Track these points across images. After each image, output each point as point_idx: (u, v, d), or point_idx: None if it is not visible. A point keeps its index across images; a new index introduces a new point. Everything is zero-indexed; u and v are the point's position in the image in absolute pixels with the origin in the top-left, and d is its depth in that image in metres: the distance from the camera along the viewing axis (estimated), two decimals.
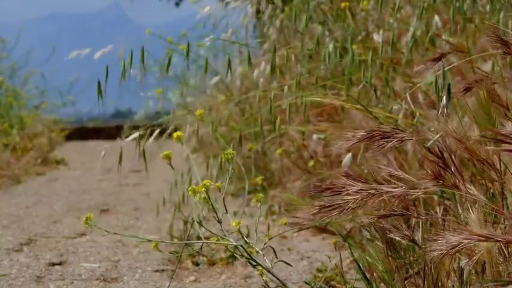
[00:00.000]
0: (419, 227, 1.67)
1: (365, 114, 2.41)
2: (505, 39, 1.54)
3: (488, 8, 2.61)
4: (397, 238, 1.64)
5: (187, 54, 2.15)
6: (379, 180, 1.49)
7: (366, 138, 1.54)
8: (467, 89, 1.66)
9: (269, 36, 3.96)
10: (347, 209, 1.48)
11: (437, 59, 2.00)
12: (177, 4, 14.42)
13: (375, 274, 1.74)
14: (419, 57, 2.69)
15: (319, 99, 2.56)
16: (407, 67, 2.68)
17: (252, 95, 3.12)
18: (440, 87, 1.79)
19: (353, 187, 1.48)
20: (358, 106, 2.33)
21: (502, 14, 2.28)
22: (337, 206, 1.48)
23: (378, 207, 1.54)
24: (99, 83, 2.05)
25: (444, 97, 1.72)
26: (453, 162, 1.46)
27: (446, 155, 1.46)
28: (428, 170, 1.45)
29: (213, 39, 3.73)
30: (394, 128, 1.55)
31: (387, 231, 1.63)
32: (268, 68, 3.14)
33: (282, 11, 3.83)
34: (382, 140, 1.53)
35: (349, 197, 1.47)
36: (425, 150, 1.52)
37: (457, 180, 1.45)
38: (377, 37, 2.79)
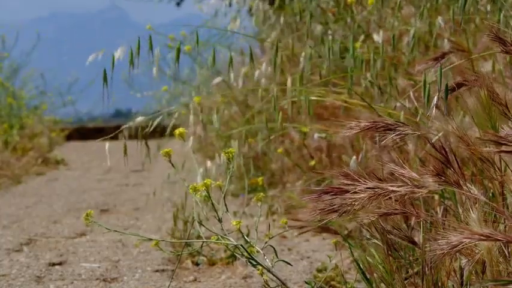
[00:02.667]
0: (419, 227, 1.67)
1: (366, 113, 2.40)
2: (503, 38, 1.54)
3: (489, 7, 2.61)
4: (396, 239, 1.64)
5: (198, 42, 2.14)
6: (383, 178, 1.48)
7: (369, 128, 1.54)
8: (460, 85, 1.66)
9: (269, 35, 3.95)
10: (351, 210, 1.47)
11: (438, 58, 2.00)
12: (178, 4, 14.40)
13: (375, 274, 1.74)
14: (420, 56, 2.69)
15: (320, 97, 2.56)
16: (408, 66, 2.68)
17: (253, 95, 3.12)
18: (429, 87, 1.79)
19: (358, 186, 1.47)
20: (361, 104, 2.33)
21: (502, 14, 2.27)
22: (341, 206, 1.47)
23: (379, 206, 1.54)
24: (105, 73, 2.04)
25: (437, 96, 1.72)
26: (455, 159, 1.45)
27: (448, 151, 1.46)
28: (431, 167, 1.44)
29: (217, 29, 3.73)
30: (397, 121, 1.55)
31: (387, 232, 1.63)
32: (270, 68, 3.14)
33: (283, 9, 3.83)
34: (385, 132, 1.53)
35: (355, 196, 1.46)
36: (427, 147, 1.51)
37: (459, 178, 1.45)
38: (377, 37, 2.79)
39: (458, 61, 2.10)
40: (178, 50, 2.15)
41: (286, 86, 2.66)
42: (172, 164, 1.81)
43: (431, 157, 1.46)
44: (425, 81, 1.82)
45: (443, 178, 1.44)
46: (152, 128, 2.56)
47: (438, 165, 1.44)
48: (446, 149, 1.45)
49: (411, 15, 2.91)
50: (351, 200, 1.46)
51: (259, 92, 2.90)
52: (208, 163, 3.08)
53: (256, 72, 3.11)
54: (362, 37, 3.04)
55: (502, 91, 1.52)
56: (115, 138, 2.48)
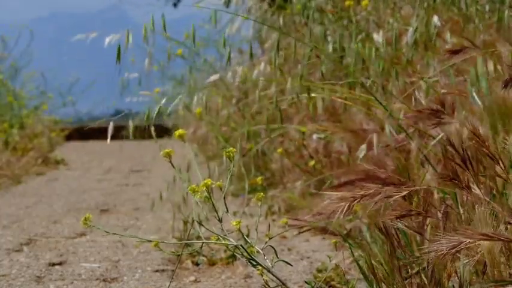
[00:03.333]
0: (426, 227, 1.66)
1: (366, 113, 2.41)
2: None
3: (487, 7, 2.61)
4: (403, 228, 1.63)
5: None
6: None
7: (424, 115, 1.55)
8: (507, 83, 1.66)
9: (269, 36, 3.96)
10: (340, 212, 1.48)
11: (455, 52, 1.99)
12: (175, 5, 14.37)
13: (376, 274, 1.74)
14: (419, 56, 2.69)
15: (320, 95, 2.56)
16: (408, 66, 2.68)
17: (252, 95, 3.13)
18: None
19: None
20: (364, 100, 2.33)
21: (506, 13, 2.27)
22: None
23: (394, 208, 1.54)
24: (119, 48, 2.03)
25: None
26: (470, 162, 1.46)
27: (465, 154, 1.46)
28: (446, 171, 1.45)
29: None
30: (439, 110, 1.57)
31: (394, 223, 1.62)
32: (268, 68, 3.14)
33: (282, 9, 3.83)
34: (435, 119, 1.55)
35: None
36: (430, 146, 1.51)
37: (470, 181, 1.45)
38: (377, 37, 2.79)
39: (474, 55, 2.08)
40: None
41: (285, 86, 2.65)
42: (172, 165, 1.81)
43: (443, 159, 1.47)
44: (477, 72, 1.81)
45: (457, 182, 1.44)
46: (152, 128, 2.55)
47: (453, 169, 1.44)
48: (458, 151, 1.46)
49: (410, 15, 2.91)
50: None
51: (257, 92, 2.90)
52: (209, 163, 3.08)
53: (255, 72, 3.11)
54: (361, 37, 3.04)
55: None
56: (115, 138, 2.48)
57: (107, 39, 2.22)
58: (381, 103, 2.26)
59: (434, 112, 1.58)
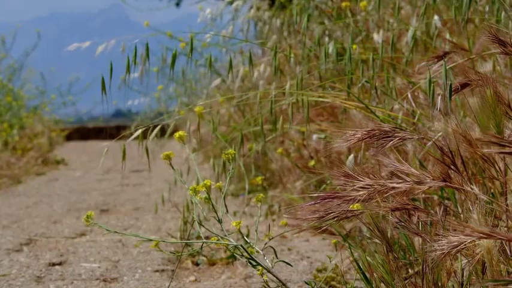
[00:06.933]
0: (422, 225, 1.66)
1: (365, 114, 2.41)
2: (503, 39, 1.53)
3: (487, 8, 2.61)
4: (405, 232, 1.63)
5: (191, 51, 2.14)
6: (383, 176, 1.48)
7: (367, 137, 1.53)
8: (464, 85, 1.66)
9: (269, 36, 3.96)
10: (349, 215, 1.47)
11: (440, 57, 1.99)
12: (177, 4, 14.39)
13: (374, 274, 1.74)
14: (419, 56, 2.69)
15: (320, 98, 2.56)
16: (407, 66, 2.68)
17: (252, 95, 3.13)
18: (433, 86, 1.79)
19: (359, 183, 1.47)
20: (359, 105, 2.33)
21: (503, 14, 2.27)
22: (339, 213, 1.48)
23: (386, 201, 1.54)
24: (103, 80, 2.04)
25: (440, 96, 1.72)
26: (462, 162, 1.45)
27: (455, 155, 1.45)
28: (437, 170, 1.44)
29: (215, 34, 3.74)
30: (394, 127, 1.55)
31: (395, 223, 1.62)
32: (268, 69, 3.14)
33: (282, 9, 3.83)
34: (383, 139, 1.53)
35: (355, 193, 1.47)
36: (430, 149, 1.51)
37: (463, 182, 1.45)
38: (377, 37, 2.79)
39: (460, 60, 2.09)
40: (175, 56, 2.15)
41: (284, 87, 2.65)
42: (172, 167, 1.81)
43: (435, 160, 1.46)
44: (430, 79, 1.81)
45: (449, 183, 1.44)
46: (153, 129, 2.56)
47: (444, 171, 1.44)
48: (453, 153, 1.45)
49: (410, 15, 2.91)
50: (349, 198, 1.46)
51: (257, 94, 2.91)
52: (209, 163, 3.08)
53: (255, 74, 3.11)
54: (360, 38, 3.04)
55: (503, 91, 1.52)
56: (115, 137, 2.48)
57: (99, 48, 2.22)
58: (369, 108, 2.27)
59: (384, 133, 1.56)
